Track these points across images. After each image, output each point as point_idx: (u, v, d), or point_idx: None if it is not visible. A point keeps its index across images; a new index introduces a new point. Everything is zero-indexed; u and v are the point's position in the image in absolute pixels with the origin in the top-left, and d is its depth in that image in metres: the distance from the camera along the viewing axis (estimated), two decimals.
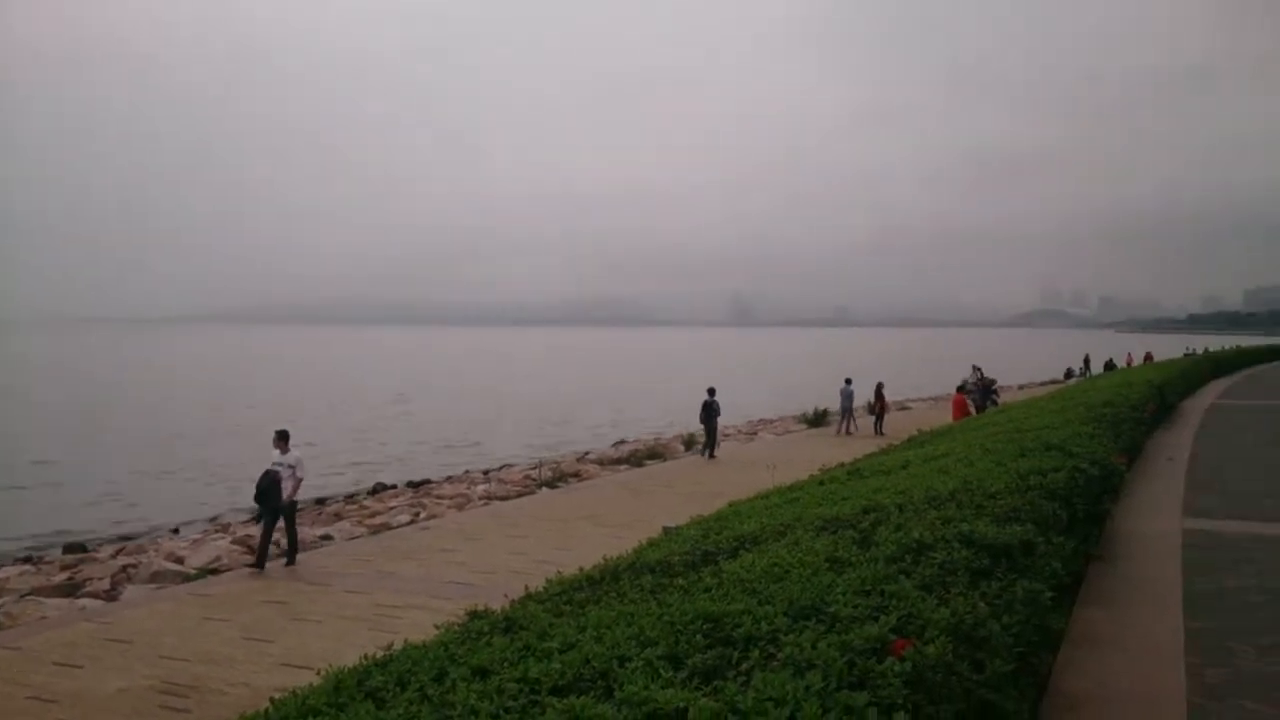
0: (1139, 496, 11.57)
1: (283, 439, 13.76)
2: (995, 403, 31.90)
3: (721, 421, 26.47)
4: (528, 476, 23.21)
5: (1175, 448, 16.25)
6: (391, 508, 19.97)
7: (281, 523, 13.40)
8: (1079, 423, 11.01)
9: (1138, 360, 52.74)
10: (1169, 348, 65.47)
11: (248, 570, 13.13)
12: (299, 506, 15.12)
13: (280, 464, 13.57)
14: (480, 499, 20.29)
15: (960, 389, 33.12)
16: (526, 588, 5.55)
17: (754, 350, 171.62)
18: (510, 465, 28.58)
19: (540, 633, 4.11)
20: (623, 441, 34.06)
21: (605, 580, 5.26)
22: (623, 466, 24.41)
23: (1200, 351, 46.56)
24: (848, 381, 30.53)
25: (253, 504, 14.44)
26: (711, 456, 24.91)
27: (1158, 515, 10.47)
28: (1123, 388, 17.99)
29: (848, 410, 30.25)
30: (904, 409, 39.89)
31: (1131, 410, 14.57)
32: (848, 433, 29.58)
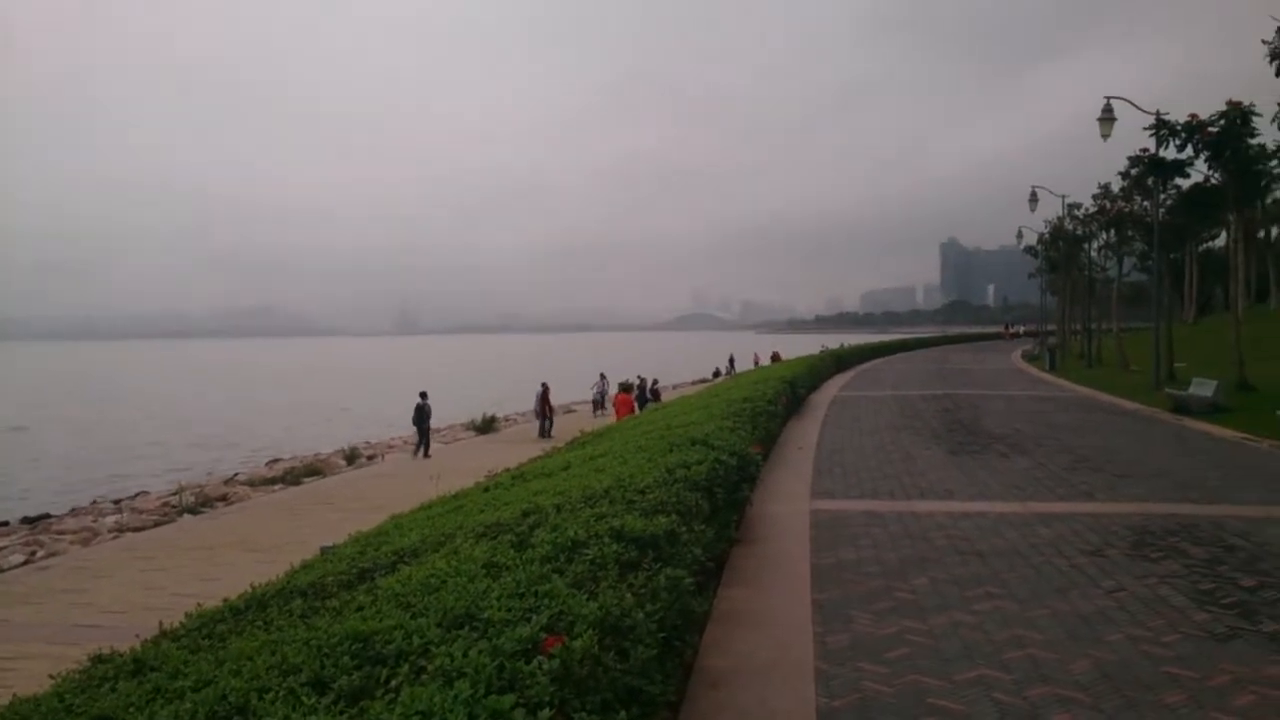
0: (774, 483, 12.66)
1: None
2: (651, 401, 33.72)
3: (387, 434, 26.14)
4: (167, 504, 21.25)
5: (804, 437, 17.97)
6: (1, 548, 17.48)
7: None
8: (721, 418, 11.82)
9: (764, 360, 58.43)
10: (804, 346, 72.30)
11: None
12: None
13: None
14: (111, 531, 18.30)
15: (625, 389, 34.78)
16: (161, 625, 5.09)
17: (419, 358, 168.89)
18: (146, 492, 26.02)
19: (173, 672, 3.80)
20: (277, 460, 32.18)
21: (251, 609, 4.94)
22: (278, 486, 23.05)
23: (835, 348, 51.77)
24: (544, 385, 31.36)
25: None
26: (426, 456, 26.21)
27: (790, 499, 11.51)
28: (760, 384, 19.58)
29: (539, 412, 31.07)
30: (570, 412, 40.97)
31: (767, 404, 15.88)
32: (544, 434, 30.01)
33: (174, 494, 22.42)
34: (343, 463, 27.45)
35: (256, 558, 13.28)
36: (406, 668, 3.22)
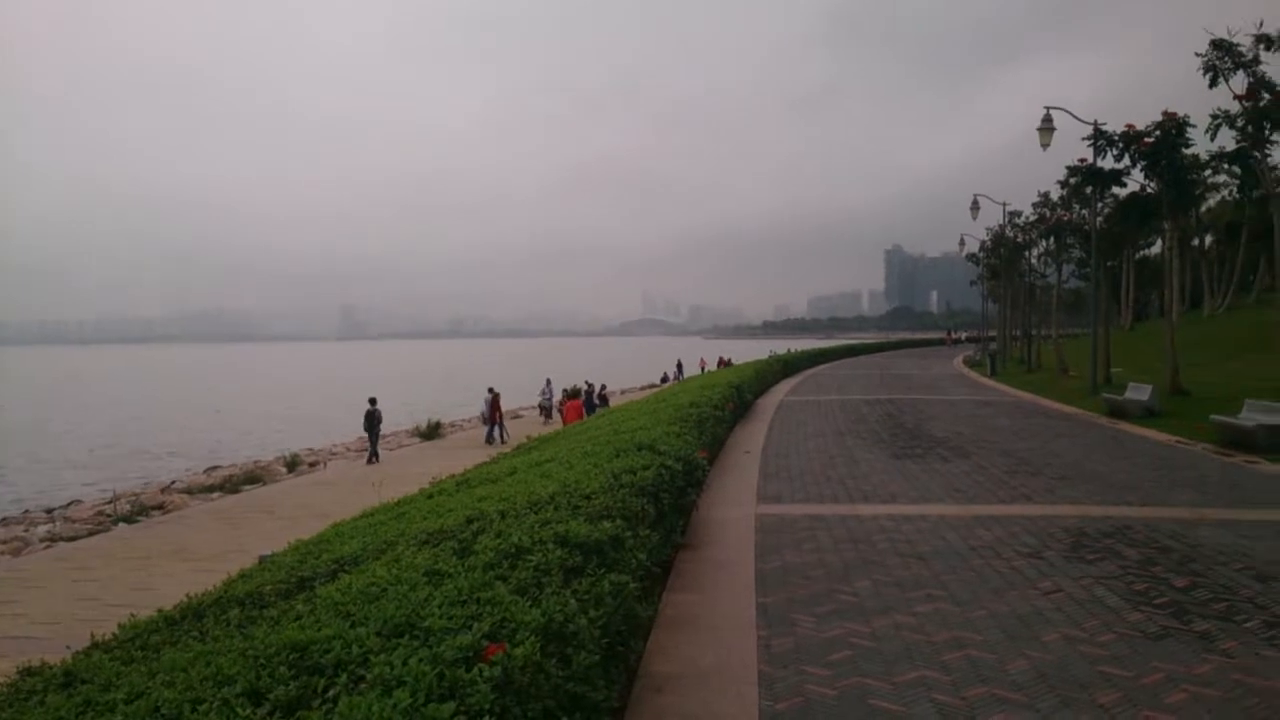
0: (721, 487, 12.71)
1: None
2: (599, 406, 33.67)
3: (332, 439, 25.97)
4: (101, 513, 20.74)
5: (751, 441, 18.06)
6: None
7: None
8: (668, 423, 11.85)
9: (711, 365, 59.00)
10: (752, 351, 72.87)
11: None
12: None
13: None
14: (42, 541, 17.82)
15: (574, 394, 34.78)
16: (93, 635, 4.97)
17: (367, 364, 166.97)
18: (79, 501, 25.33)
19: (105, 684, 3.71)
20: (216, 467, 31.55)
21: (186, 619, 4.84)
22: (216, 494, 22.62)
23: (782, 353, 52.17)
24: (490, 390, 31.41)
25: None
26: (373, 461, 26.66)
27: (736, 503, 11.56)
28: (706, 389, 19.67)
29: (489, 418, 31.04)
30: (517, 417, 40.74)
31: (714, 409, 15.95)
32: (498, 440, 29.87)
33: (109, 503, 21.89)
34: (284, 470, 27.01)
35: (193, 567, 13.04)
36: (345, 677, 3.17)
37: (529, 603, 3.83)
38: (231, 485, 23.71)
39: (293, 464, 27.73)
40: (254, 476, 25.13)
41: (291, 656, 3.44)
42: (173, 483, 27.33)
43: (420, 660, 3.12)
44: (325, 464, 28.48)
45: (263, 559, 7.68)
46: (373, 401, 27.80)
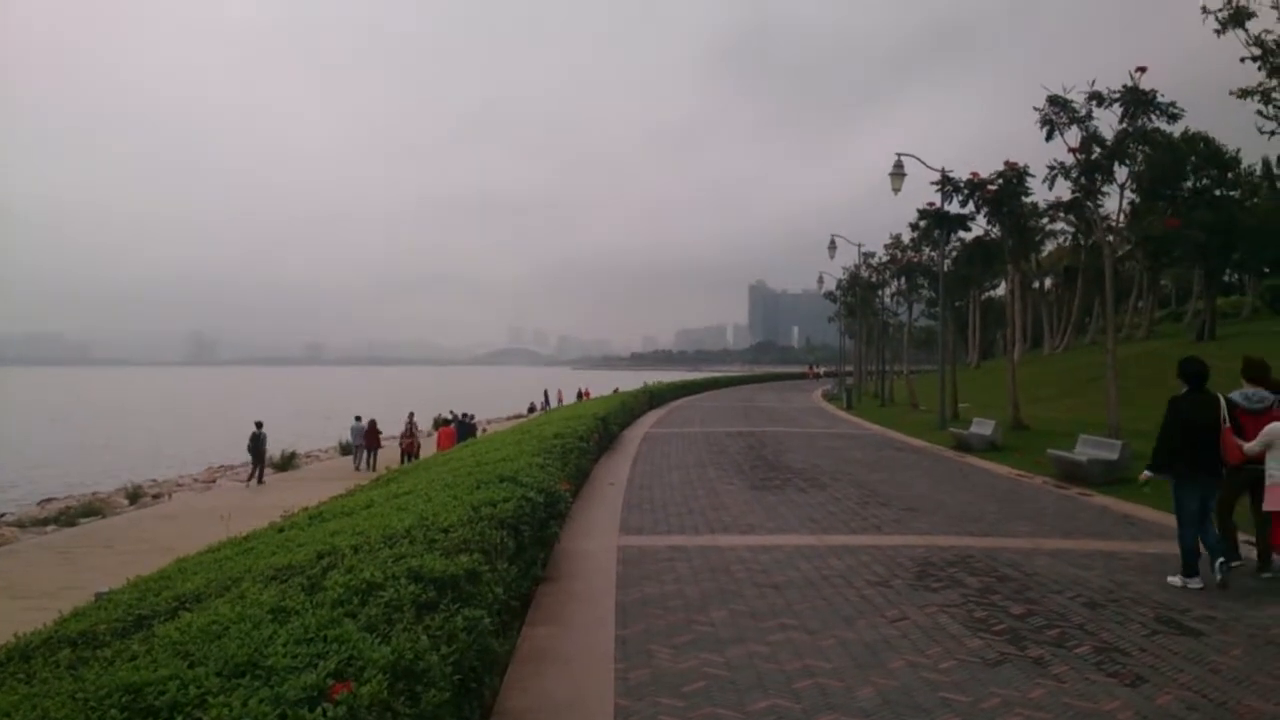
0: (584, 519, 12.72)
1: None
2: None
3: (176, 471, 25.03)
4: None
5: (616, 473, 18.16)
6: None
7: None
8: (532, 454, 11.80)
9: (569, 398, 59.49)
10: (623, 382, 73.32)
11: None
12: None
13: None
14: None
15: (446, 423, 34.51)
16: None
17: (215, 390, 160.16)
18: None
19: None
20: (51, 499, 29.67)
21: (13, 661, 4.55)
22: (50, 527, 21.29)
23: (650, 384, 52.67)
24: (358, 419, 31.18)
25: None
26: (260, 483, 28.02)
27: (599, 535, 11.59)
28: (573, 420, 19.69)
29: (359, 446, 30.72)
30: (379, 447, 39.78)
31: (579, 441, 15.98)
32: (371, 468, 29.52)
33: None
34: (125, 502, 25.63)
35: (23, 605, 12.22)
36: (181, 719, 3.06)
37: (378, 640, 3.77)
38: (68, 518, 22.35)
39: (135, 496, 26.36)
40: (92, 509, 23.74)
41: (125, 699, 3.29)
42: (2, 515, 25.55)
43: (261, 701, 3.04)
44: (170, 495, 27.17)
45: (99, 596, 7.28)
46: (258, 425, 28.45)
